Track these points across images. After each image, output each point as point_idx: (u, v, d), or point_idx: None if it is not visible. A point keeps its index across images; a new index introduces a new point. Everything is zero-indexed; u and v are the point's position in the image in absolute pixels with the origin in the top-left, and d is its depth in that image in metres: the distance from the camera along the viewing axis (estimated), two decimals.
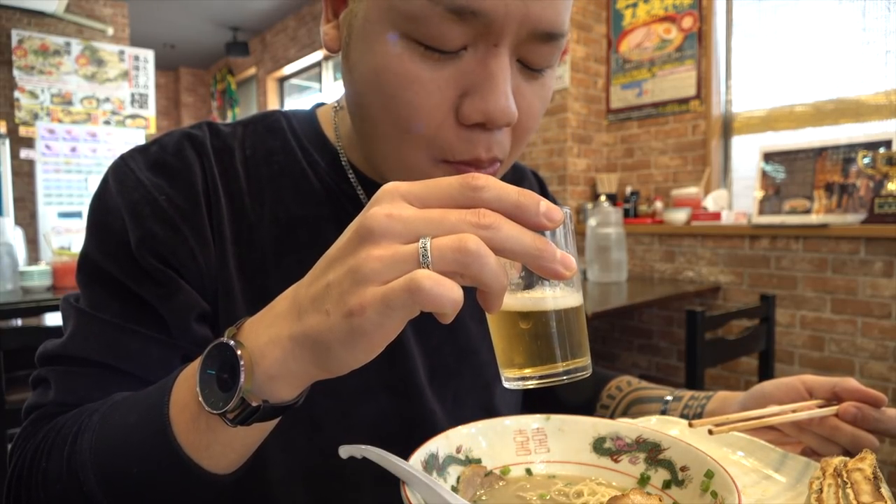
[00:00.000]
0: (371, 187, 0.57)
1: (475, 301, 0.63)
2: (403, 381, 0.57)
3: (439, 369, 0.60)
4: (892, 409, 0.53)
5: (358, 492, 0.55)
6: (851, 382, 0.54)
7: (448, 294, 0.29)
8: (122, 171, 0.52)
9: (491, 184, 0.31)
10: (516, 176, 0.76)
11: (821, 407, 0.54)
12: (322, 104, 0.64)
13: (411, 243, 0.30)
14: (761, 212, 2.58)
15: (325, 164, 0.58)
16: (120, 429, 0.42)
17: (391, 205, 0.31)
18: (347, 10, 0.48)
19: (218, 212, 0.53)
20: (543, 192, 0.77)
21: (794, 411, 0.54)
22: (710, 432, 0.51)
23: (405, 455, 0.40)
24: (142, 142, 5.28)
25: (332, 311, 0.31)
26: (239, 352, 0.35)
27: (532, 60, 0.46)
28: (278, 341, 0.34)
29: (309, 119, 0.61)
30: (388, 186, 0.32)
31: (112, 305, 0.50)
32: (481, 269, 0.30)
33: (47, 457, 0.43)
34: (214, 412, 0.35)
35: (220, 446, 0.38)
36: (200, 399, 0.36)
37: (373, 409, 0.56)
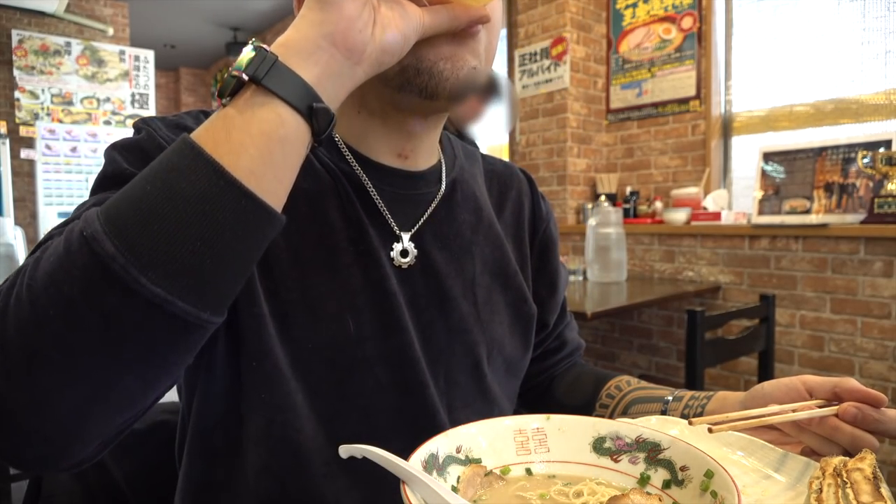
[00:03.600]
0: (366, 165, 0.61)
1: (469, 282, 0.66)
2: (398, 353, 0.59)
3: (432, 344, 0.62)
4: (892, 409, 0.53)
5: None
6: (852, 383, 0.54)
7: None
8: (140, 128, 0.54)
9: None
10: (505, 172, 0.77)
11: (821, 407, 0.54)
12: None
13: None
14: (761, 212, 2.58)
15: (325, 147, 0.61)
16: (130, 193, 0.38)
17: None
18: None
19: None
20: (533, 190, 0.78)
21: (794, 411, 0.54)
22: (710, 430, 0.51)
23: (405, 445, 0.40)
24: None
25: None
26: (268, 50, 0.41)
27: None
28: (308, 23, 0.43)
29: None
30: None
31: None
32: None
33: (56, 238, 0.39)
34: (237, 72, 0.39)
35: (238, 133, 0.38)
36: (231, 71, 0.39)
37: (370, 380, 0.58)
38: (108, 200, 0.37)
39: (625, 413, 0.70)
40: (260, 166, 0.38)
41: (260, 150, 0.38)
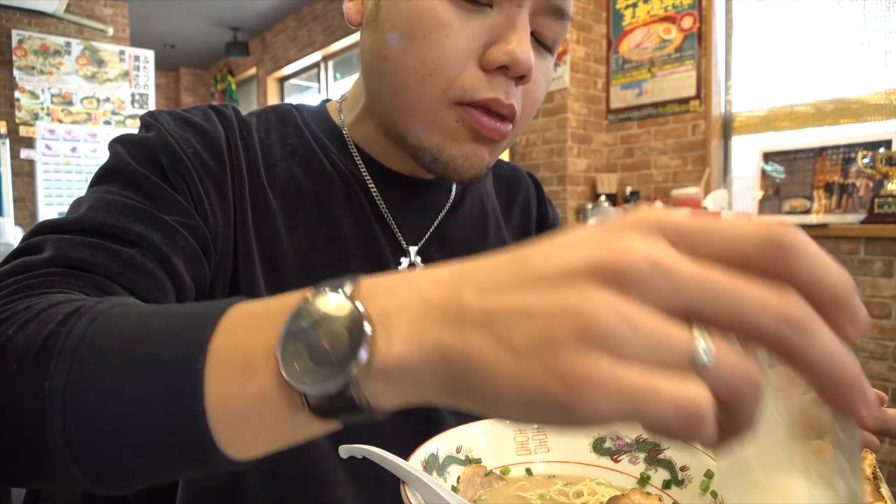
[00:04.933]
0: (376, 171, 0.60)
1: None
2: None
3: None
4: (892, 409, 0.53)
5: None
6: None
7: (708, 436, 0.20)
8: (148, 123, 0.53)
9: (805, 246, 0.21)
10: (513, 175, 0.77)
11: None
12: (329, 100, 0.67)
13: (675, 316, 0.20)
14: (761, 212, 2.58)
15: (335, 147, 0.61)
16: (129, 331, 0.29)
17: (654, 244, 0.21)
18: None
19: (240, 176, 0.54)
20: (540, 195, 0.78)
21: None
22: None
23: (406, 449, 0.40)
24: None
25: (525, 353, 0.20)
26: (367, 323, 0.23)
27: (542, 34, 0.52)
28: (422, 341, 0.23)
29: (318, 110, 0.65)
30: (651, 214, 0.22)
31: (129, 194, 0.47)
32: (753, 412, 0.20)
33: (20, 327, 0.30)
34: (296, 384, 0.24)
35: (257, 421, 0.26)
36: (280, 363, 0.24)
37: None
38: (88, 359, 0.28)
39: None
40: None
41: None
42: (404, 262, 0.61)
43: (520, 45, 0.48)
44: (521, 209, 0.76)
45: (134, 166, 0.49)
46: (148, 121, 0.54)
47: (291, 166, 0.59)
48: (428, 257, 0.63)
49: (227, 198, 0.53)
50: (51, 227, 0.43)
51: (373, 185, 0.60)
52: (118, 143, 0.52)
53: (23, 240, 0.43)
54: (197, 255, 0.49)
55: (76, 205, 0.47)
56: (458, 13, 0.48)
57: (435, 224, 0.64)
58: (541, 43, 0.53)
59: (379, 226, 0.60)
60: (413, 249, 0.62)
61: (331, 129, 0.62)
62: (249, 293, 0.52)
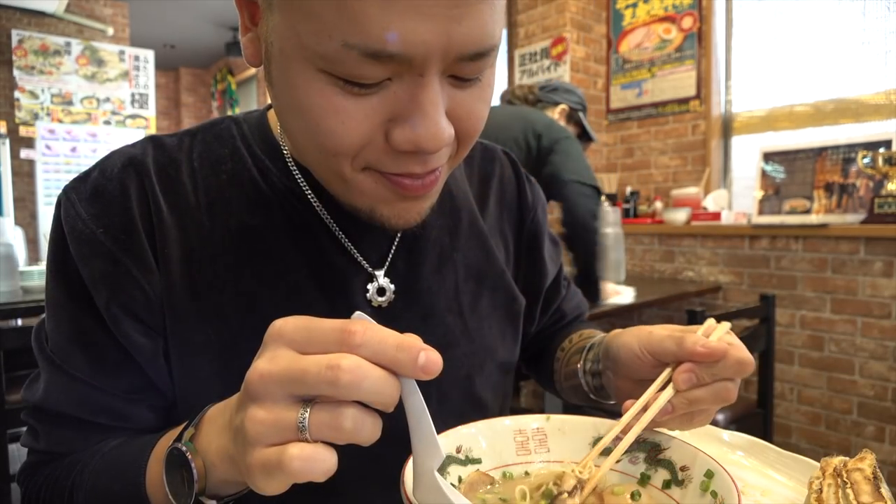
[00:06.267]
0: (320, 187, 0.54)
1: (453, 294, 0.62)
2: None
3: None
4: (715, 342, 0.46)
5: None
6: (686, 342, 0.47)
7: (319, 467, 0.31)
8: (65, 208, 0.52)
9: (368, 337, 0.31)
10: (486, 156, 0.71)
11: (667, 380, 0.48)
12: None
13: (292, 404, 0.32)
14: (761, 212, 2.58)
15: (276, 168, 0.55)
16: (106, 495, 0.48)
17: (271, 357, 0.33)
18: (262, 22, 0.44)
19: (162, 234, 0.51)
20: (517, 175, 0.72)
21: (645, 407, 0.47)
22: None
23: (398, 464, 0.40)
24: None
25: (239, 455, 0.34)
26: (193, 463, 0.38)
27: (464, 74, 0.42)
28: (225, 455, 0.37)
29: (259, 122, 0.58)
30: (274, 329, 0.34)
31: (76, 355, 0.51)
32: (355, 437, 0.32)
33: None
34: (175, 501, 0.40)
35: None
36: (167, 490, 0.40)
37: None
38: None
39: (567, 376, 0.67)
40: None
41: None
42: (371, 287, 0.56)
43: (426, 129, 0.40)
44: (497, 193, 0.69)
45: (70, 312, 0.51)
46: (62, 200, 0.52)
47: (229, 200, 0.54)
48: (396, 276, 0.58)
49: (149, 266, 0.50)
50: (32, 407, 0.54)
51: (320, 206, 0.55)
52: (48, 266, 0.53)
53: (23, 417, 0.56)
54: (161, 364, 0.53)
55: (39, 359, 0.54)
56: (348, 96, 0.40)
57: (398, 236, 0.59)
58: (468, 79, 0.43)
59: (334, 250, 0.55)
60: (380, 273, 0.57)
61: (271, 146, 0.56)
62: (193, 353, 0.52)
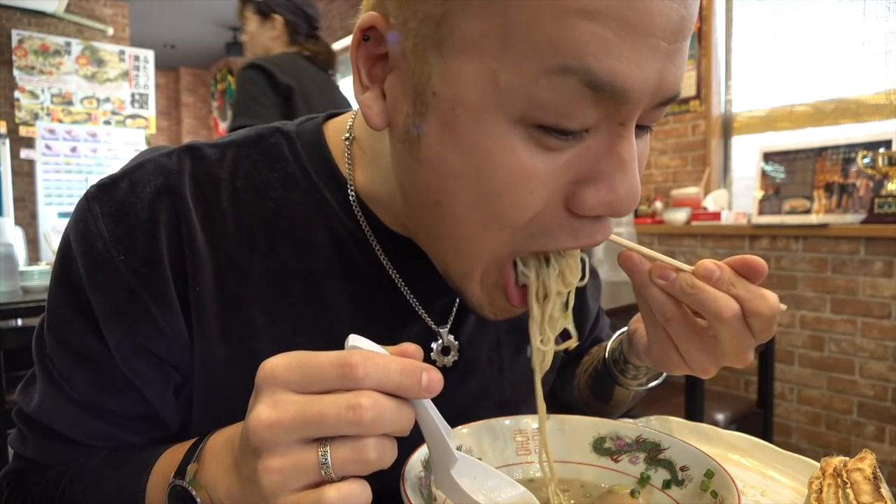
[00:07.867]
0: (382, 233, 0.49)
1: (493, 346, 0.59)
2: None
3: (449, 415, 0.57)
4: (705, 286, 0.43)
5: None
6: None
7: (361, 502, 0.32)
8: (84, 219, 0.45)
9: (370, 368, 0.31)
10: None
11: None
12: (333, 115, 0.55)
13: (306, 445, 0.31)
14: (761, 212, 2.58)
15: (336, 201, 0.49)
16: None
17: (272, 403, 0.31)
18: (403, 76, 0.38)
19: (195, 268, 0.46)
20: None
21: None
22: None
23: (406, 449, 0.40)
24: (142, 142, 5.30)
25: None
26: (199, 499, 0.38)
27: (650, 121, 0.39)
28: (237, 498, 0.35)
29: (314, 140, 0.51)
30: (266, 372, 0.32)
31: (78, 374, 0.47)
32: (380, 465, 0.32)
33: None
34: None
35: None
36: None
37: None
38: None
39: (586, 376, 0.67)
40: None
41: None
42: (435, 346, 0.53)
43: (627, 186, 0.36)
44: None
45: (75, 331, 0.46)
46: (79, 220, 0.45)
47: (273, 234, 0.48)
48: (462, 333, 0.54)
49: (170, 305, 0.45)
50: (25, 417, 0.52)
51: (380, 251, 0.49)
52: (54, 277, 0.47)
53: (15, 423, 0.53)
54: (170, 398, 0.50)
55: (37, 368, 0.51)
56: (543, 155, 0.35)
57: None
58: (644, 126, 0.40)
59: (392, 302, 0.50)
60: (444, 330, 0.53)
61: (330, 174, 0.49)
62: (224, 398, 0.48)
